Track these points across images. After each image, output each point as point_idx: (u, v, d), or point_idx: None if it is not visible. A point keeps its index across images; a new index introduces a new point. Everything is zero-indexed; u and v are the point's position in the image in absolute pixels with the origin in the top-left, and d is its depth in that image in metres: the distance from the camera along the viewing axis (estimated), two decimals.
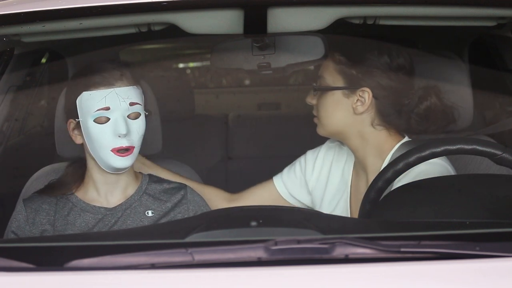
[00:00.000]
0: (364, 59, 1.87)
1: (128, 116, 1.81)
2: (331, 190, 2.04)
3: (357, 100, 1.87)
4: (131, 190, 1.93)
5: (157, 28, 1.78)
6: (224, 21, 1.69)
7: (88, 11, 1.65)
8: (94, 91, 1.80)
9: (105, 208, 1.89)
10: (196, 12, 1.69)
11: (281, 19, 1.67)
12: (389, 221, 1.51)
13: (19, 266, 1.23)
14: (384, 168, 1.61)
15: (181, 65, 4.92)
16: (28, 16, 1.68)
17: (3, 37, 1.90)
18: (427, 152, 1.56)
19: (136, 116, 1.83)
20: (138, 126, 1.83)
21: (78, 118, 1.82)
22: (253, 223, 1.30)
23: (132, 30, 1.80)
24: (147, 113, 1.86)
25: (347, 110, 1.89)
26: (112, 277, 1.20)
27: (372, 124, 1.89)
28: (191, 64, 5.07)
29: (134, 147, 1.83)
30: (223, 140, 3.56)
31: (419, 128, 1.90)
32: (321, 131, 1.98)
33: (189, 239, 1.27)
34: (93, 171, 1.89)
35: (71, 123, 1.86)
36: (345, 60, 1.89)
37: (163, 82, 3.45)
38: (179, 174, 2.10)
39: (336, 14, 1.69)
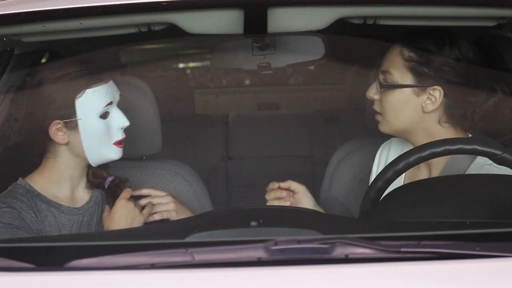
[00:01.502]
0: (435, 56, 1.80)
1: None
2: None
3: (427, 98, 1.81)
4: (88, 185, 1.97)
5: (157, 28, 1.78)
6: (224, 21, 1.69)
7: (88, 11, 1.65)
8: (97, 87, 1.82)
9: (76, 209, 1.91)
10: (196, 12, 1.69)
11: (281, 19, 1.67)
12: (389, 221, 1.51)
13: (19, 266, 1.23)
14: (384, 168, 1.61)
15: (181, 65, 4.92)
16: (28, 16, 1.68)
17: (3, 37, 1.90)
18: (427, 152, 1.56)
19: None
20: None
21: (72, 118, 1.80)
22: (253, 223, 1.30)
23: (132, 30, 1.80)
24: None
25: (415, 108, 1.83)
26: (112, 277, 1.20)
27: (439, 122, 1.84)
28: (191, 64, 5.06)
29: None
30: (223, 140, 3.57)
31: (484, 127, 1.84)
32: (385, 129, 1.91)
33: (189, 239, 1.27)
34: (66, 168, 1.88)
35: (56, 125, 1.81)
36: (416, 57, 1.81)
37: (163, 82, 3.45)
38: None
39: (336, 14, 1.69)
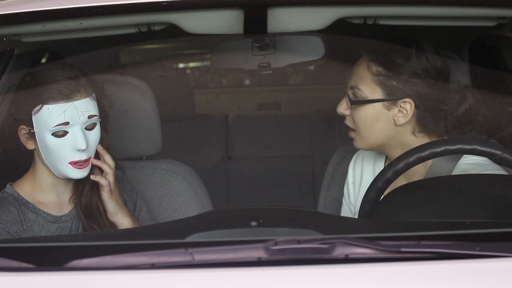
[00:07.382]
0: (403, 68, 1.80)
1: (85, 128, 1.80)
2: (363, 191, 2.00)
3: (398, 111, 1.80)
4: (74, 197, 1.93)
5: (157, 28, 1.78)
6: (224, 21, 1.69)
7: (88, 11, 1.65)
8: (53, 105, 1.76)
9: (63, 216, 1.88)
10: (196, 12, 1.69)
11: (281, 19, 1.67)
12: (389, 221, 1.51)
13: (19, 266, 1.23)
14: (384, 168, 1.61)
15: (181, 65, 4.92)
16: (28, 16, 1.68)
17: (3, 37, 1.90)
18: (427, 152, 1.56)
19: (93, 126, 1.82)
20: (95, 136, 1.83)
21: (32, 128, 1.77)
22: (253, 223, 1.30)
23: (132, 30, 1.80)
24: (101, 120, 1.85)
25: (388, 122, 1.82)
26: (112, 277, 1.20)
27: (413, 133, 1.84)
28: (191, 64, 5.07)
29: (90, 157, 1.82)
30: (223, 140, 3.57)
31: (458, 132, 1.85)
32: (361, 145, 1.90)
33: (189, 239, 1.27)
34: (43, 175, 1.86)
35: (23, 129, 1.80)
36: (384, 71, 1.81)
37: (163, 82, 3.45)
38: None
39: (336, 14, 1.69)
